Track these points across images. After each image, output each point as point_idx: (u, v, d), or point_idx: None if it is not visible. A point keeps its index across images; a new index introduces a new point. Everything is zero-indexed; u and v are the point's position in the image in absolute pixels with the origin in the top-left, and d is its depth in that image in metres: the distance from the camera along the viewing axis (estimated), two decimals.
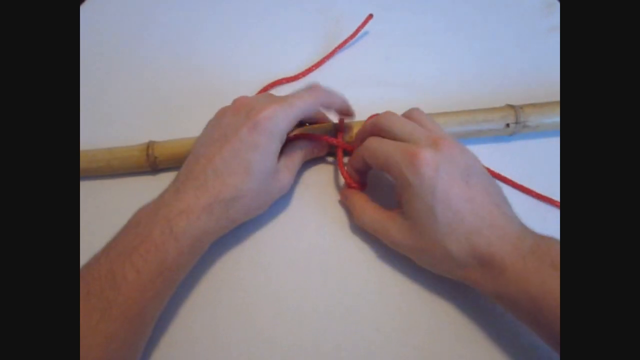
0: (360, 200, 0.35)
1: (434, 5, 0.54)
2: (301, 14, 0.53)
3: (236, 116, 0.32)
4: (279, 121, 0.32)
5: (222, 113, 0.34)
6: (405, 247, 0.32)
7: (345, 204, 0.37)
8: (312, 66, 0.47)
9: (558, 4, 0.54)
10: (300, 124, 0.39)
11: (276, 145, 0.32)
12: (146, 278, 0.27)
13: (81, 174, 0.38)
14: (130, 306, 0.27)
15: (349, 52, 0.50)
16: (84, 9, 0.53)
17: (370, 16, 0.50)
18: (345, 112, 0.37)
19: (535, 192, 0.38)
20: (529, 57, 0.49)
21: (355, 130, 0.38)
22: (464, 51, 0.50)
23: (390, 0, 0.54)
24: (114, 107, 0.45)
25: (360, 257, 0.35)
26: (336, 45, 0.49)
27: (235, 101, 0.34)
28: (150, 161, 0.38)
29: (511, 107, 0.40)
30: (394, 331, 0.32)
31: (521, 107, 0.40)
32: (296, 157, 0.36)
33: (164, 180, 0.38)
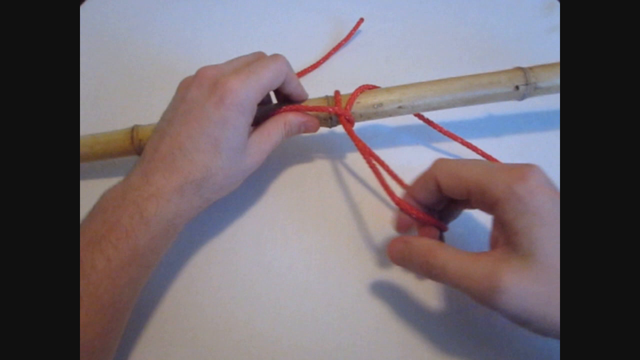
0: (431, 242, 0.27)
1: (433, 5, 0.54)
2: (301, 14, 0.53)
3: (200, 89, 0.30)
4: (247, 93, 0.30)
5: (186, 85, 0.32)
6: (526, 296, 0.23)
7: (401, 258, 0.28)
8: (311, 66, 0.47)
9: (558, 4, 0.54)
10: (288, 100, 0.36)
11: (245, 119, 0.31)
12: (117, 265, 0.26)
13: None
14: (101, 295, 0.26)
15: (348, 53, 0.50)
16: (84, 9, 0.53)
17: (362, 20, 0.51)
18: (300, 94, 0.35)
19: None
20: (528, 58, 0.49)
21: (351, 101, 0.35)
22: (463, 51, 0.50)
23: (390, 0, 0.54)
24: (114, 107, 0.45)
25: (359, 256, 0.35)
26: (335, 45, 0.49)
27: (198, 72, 0.31)
28: (135, 144, 0.36)
29: (520, 69, 0.37)
30: (394, 331, 0.32)
31: (531, 68, 0.37)
32: (273, 130, 0.34)
33: None
